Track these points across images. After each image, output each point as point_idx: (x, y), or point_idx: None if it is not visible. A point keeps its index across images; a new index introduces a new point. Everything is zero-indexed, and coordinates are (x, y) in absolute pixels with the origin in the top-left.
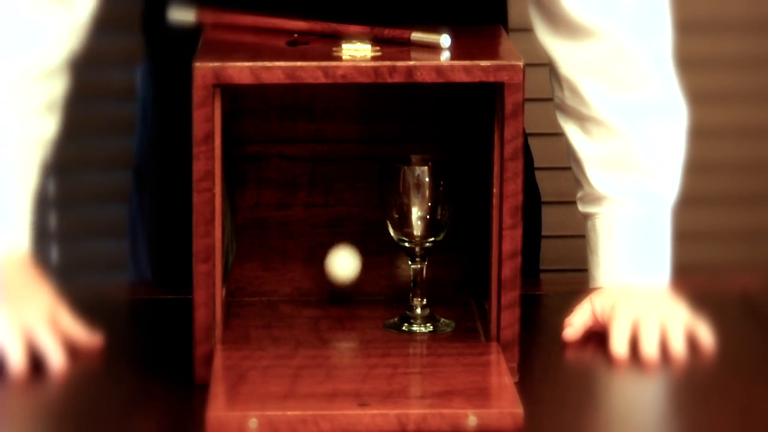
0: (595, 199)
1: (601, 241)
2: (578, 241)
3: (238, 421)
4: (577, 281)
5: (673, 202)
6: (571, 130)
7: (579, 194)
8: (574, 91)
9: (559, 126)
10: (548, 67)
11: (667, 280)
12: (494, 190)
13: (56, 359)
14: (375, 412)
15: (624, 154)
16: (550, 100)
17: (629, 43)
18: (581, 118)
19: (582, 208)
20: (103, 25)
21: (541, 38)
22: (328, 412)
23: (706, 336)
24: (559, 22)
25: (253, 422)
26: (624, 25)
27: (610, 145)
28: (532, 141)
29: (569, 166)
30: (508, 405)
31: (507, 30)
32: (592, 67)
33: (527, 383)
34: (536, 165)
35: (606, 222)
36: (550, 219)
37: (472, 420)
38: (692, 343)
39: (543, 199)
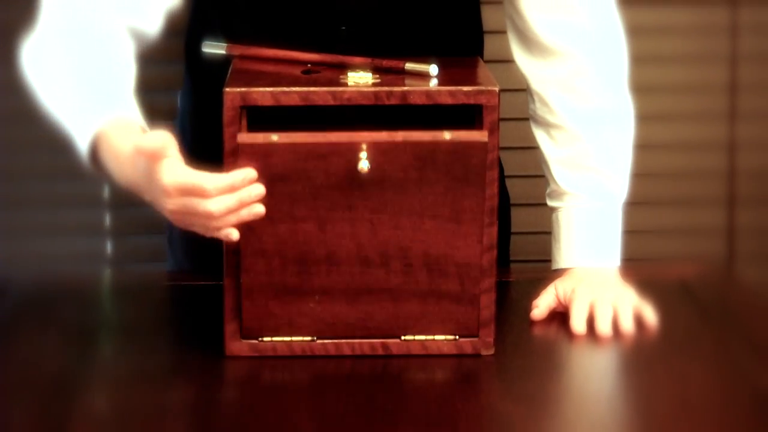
0: (559, 195)
1: (562, 230)
2: (544, 237)
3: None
4: (543, 270)
5: (624, 199)
6: (540, 136)
7: (548, 191)
8: (543, 102)
9: (529, 141)
10: (518, 92)
11: (617, 264)
12: None
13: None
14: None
15: (581, 155)
16: (521, 119)
17: (587, 62)
18: (548, 125)
19: (549, 202)
20: (148, 57)
21: (517, 59)
22: None
23: (651, 316)
24: (531, 44)
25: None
26: (583, 47)
27: (571, 148)
28: (507, 153)
29: (537, 174)
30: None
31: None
32: (557, 81)
33: (501, 355)
34: (511, 173)
35: (566, 214)
36: (521, 218)
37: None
38: (639, 322)
39: (515, 202)
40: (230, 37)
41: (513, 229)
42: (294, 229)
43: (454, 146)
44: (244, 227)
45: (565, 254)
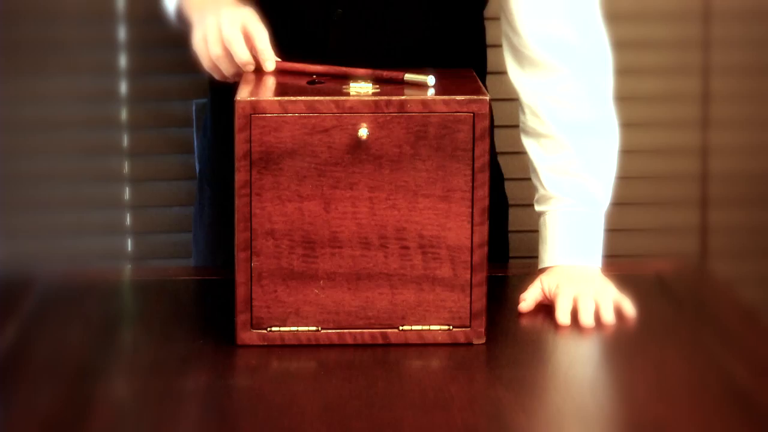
0: (546, 200)
1: (548, 231)
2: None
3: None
4: (535, 265)
5: (606, 205)
6: (530, 145)
7: (536, 197)
8: (533, 113)
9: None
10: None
11: (598, 264)
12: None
13: (271, 63)
14: None
15: (568, 162)
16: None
17: (575, 76)
18: (537, 135)
19: (537, 207)
20: (166, 69)
21: (511, 74)
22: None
23: (629, 308)
24: (524, 59)
25: None
26: (572, 62)
27: (558, 155)
28: (506, 158)
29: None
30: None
31: (485, 73)
32: (547, 93)
33: (492, 344)
34: (510, 176)
35: (552, 217)
36: (519, 218)
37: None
38: (619, 314)
39: (514, 203)
40: None
41: (510, 228)
42: (300, 208)
43: (443, 120)
44: (255, 209)
45: (549, 254)
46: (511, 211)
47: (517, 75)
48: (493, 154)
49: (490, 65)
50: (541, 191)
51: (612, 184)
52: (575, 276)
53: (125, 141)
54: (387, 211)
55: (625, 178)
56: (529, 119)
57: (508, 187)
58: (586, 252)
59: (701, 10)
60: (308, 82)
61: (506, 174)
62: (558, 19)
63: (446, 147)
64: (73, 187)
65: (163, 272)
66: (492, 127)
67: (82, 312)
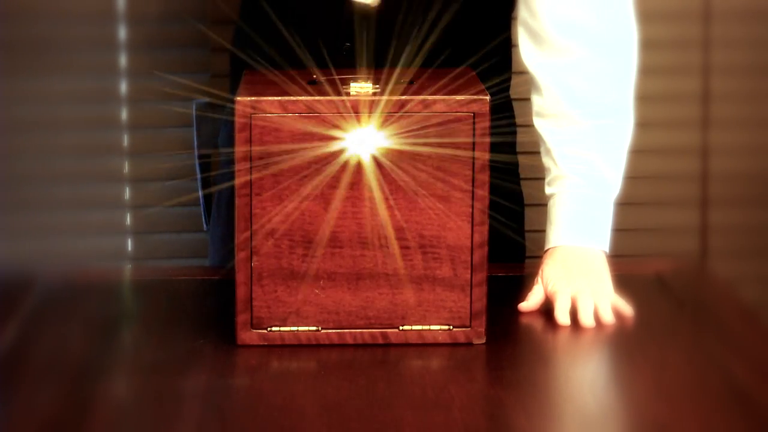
0: (557, 180)
1: (556, 211)
2: None
3: None
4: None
5: (617, 191)
6: (546, 126)
7: (547, 179)
8: (552, 93)
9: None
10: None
11: (605, 247)
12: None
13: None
14: None
15: (584, 141)
16: None
17: (596, 61)
18: (555, 115)
19: (547, 190)
20: (166, 69)
21: (528, 56)
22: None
23: (626, 309)
24: (544, 43)
25: None
26: (593, 49)
27: (574, 134)
28: (523, 157)
29: None
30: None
31: (511, 73)
32: (567, 75)
33: (492, 344)
34: (526, 176)
35: (561, 199)
36: (536, 218)
37: None
38: (617, 314)
39: (532, 202)
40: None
41: (527, 228)
42: (300, 208)
43: (443, 120)
44: (256, 209)
45: (555, 234)
46: (528, 211)
47: (534, 56)
48: (513, 152)
49: (515, 65)
50: (553, 171)
51: (622, 171)
52: (575, 267)
53: (125, 141)
54: (387, 211)
55: (625, 178)
56: (547, 100)
57: (523, 185)
58: (591, 233)
59: (701, 10)
60: (309, 82)
61: (522, 174)
62: (577, 3)
63: (446, 147)
64: (73, 187)
65: (164, 272)
66: (514, 126)
67: (82, 312)
